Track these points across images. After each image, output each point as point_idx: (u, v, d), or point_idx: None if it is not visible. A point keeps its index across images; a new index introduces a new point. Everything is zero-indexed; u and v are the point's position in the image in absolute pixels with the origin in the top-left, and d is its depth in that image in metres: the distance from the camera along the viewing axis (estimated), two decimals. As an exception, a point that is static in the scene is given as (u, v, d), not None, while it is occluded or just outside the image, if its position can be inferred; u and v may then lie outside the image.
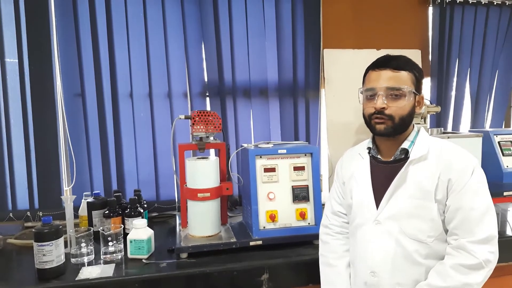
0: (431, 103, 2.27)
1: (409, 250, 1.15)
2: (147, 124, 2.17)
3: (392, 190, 1.18)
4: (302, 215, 1.69)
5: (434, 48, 2.60)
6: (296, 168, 1.72)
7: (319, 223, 1.67)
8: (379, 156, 1.27)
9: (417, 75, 1.20)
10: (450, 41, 2.60)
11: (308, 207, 1.71)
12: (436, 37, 2.59)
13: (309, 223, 1.70)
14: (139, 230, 1.58)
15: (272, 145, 1.80)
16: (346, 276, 1.32)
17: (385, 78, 1.17)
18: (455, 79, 2.64)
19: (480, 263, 1.06)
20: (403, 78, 1.17)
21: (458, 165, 1.13)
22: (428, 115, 2.19)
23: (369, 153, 1.29)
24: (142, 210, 1.79)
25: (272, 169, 1.70)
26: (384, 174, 1.23)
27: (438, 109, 2.16)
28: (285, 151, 1.71)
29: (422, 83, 1.21)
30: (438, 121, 2.64)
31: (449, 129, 2.68)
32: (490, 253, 1.07)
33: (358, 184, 1.28)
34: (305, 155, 1.74)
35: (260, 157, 1.69)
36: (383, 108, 1.16)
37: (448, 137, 2.00)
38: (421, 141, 1.19)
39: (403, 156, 1.21)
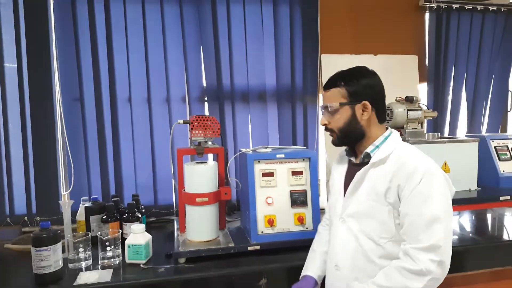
0: (428, 108, 2.28)
1: (365, 249, 1.21)
2: (146, 129, 2.18)
3: (350, 190, 1.27)
4: (300, 220, 1.68)
5: (431, 53, 2.62)
6: (294, 173, 1.71)
7: (317, 227, 1.68)
8: (352, 159, 1.35)
9: (350, 87, 1.24)
10: (446, 46, 2.62)
11: (306, 212, 1.71)
12: (432, 43, 2.61)
13: (307, 228, 1.70)
14: (137, 235, 1.57)
15: (271, 149, 1.80)
16: (320, 260, 1.41)
17: (323, 98, 1.32)
18: (451, 84, 2.66)
19: (421, 270, 1.06)
20: (332, 95, 1.27)
21: (407, 171, 1.14)
22: (425, 120, 2.20)
23: (346, 155, 1.37)
24: (140, 215, 1.78)
25: (271, 174, 1.69)
26: (353, 175, 1.29)
27: (435, 114, 2.17)
28: (283, 155, 1.70)
29: (362, 92, 1.23)
30: (435, 126, 2.65)
31: (446, 134, 2.69)
32: (432, 262, 1.06)
33: (334, 183, 1.39)
34: (303, 159, 1.74)
35: (259, 161, 1.69)
36: (325, 124, 1.31)
37: (445, 142, 2.02)
38: (386, 146, 1.23)
39: (368, 160, 1.27)
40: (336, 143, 1.32)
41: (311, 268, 1.42)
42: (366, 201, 1.22)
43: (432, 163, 1.16)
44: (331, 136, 1.32)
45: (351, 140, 1.30)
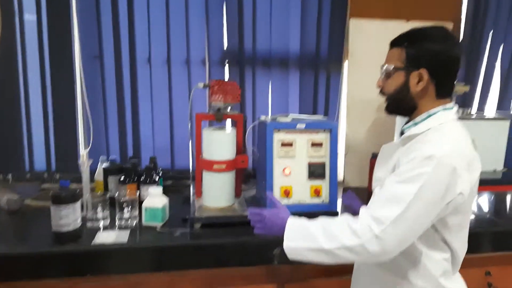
0: (458, 81, 2.15)
1: None
2: (164, 91, 2.14)
3: (379, 165, 1.25)
4: (317, 192, 1.67)
5: (468, 21, 2.44)
6: (314, 144, 1.67)
7: (334, 200, 1.67)
8: None
9: (410, 50, 1.10)
10: (485, 13, 2.43)
11: (324, 185, 1.69)
12: (470, 9, 2.43)
13: (323, 201, 1.68)
14: (155, 198, 1.59)
15: (291, 118, 1.75)
16: None
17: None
18: (486, 55, 2.50)
19: (356, 230, 1.01)
20: (391, 55, 1.15)
21: (410, 150, 1.06)
22: (455, 95, 2.09)
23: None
24: (157, 178, 1.79)
25: (290, 144, 1.66)
26: None
27: (467, 88, 2.06)
28: (303, 126, 1.66)
29: (422, 57, 1.08)
30: (464, 99, 2.52)
31: (474, 108, 2.57)
32: (369, 229, 1.00)
33: None
34: (324, 131, 1.69)
35: (278, 130, 1.65)
36: (380, 86, 1.20)
37: (475, 119, 1.93)
38: (424, 125, 1.11)
39: None
40: (387, 109, 1.22)
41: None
42: (383, 178, 1.15)
43: (438, 156, 0.99)
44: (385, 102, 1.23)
45: (401, 110, 1.20)
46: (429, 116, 1.12)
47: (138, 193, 1.64)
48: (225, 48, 2.18)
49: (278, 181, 1.65)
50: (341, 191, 2.19)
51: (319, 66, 2.27)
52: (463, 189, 1.02)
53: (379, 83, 1.20)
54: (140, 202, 1.62)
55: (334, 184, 1.68)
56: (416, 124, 1.14)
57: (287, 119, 1.72)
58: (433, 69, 1.08)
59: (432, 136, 1.07)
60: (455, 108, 1.15)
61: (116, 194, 1.59)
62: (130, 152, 2.16)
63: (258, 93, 2.24)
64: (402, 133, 1.19)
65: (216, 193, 1.66)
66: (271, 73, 2.23)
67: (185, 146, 2.19)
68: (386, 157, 1.21)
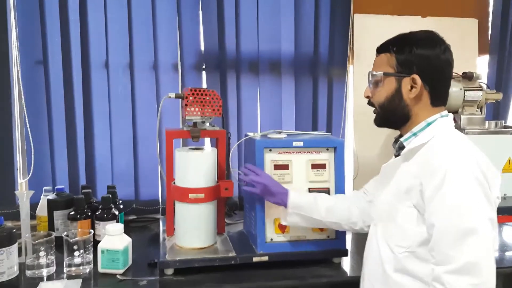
0: (488, 87, 2.22)
1: (382, 256, 1.24)
2: (126, 103, 2.17)
3: (380, 188, 1.34)
4: (321, 226, 1.67)
5: (496, 17, 2.56)
6: (314, 166, 1.69)
7: (341, 236, 1.68)
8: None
9: (400, 55, 1.24)
10: (516, 8, 2.55)
11: (328, 216, 1.70)
12: (499, 4, 2.54)
13: (328, 236, 1.69)
14: (114, 237, 1.57)
15: (285, 135, 1.78)
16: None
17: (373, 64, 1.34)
18: (519, 58, 2.60)
19: None
20: (379, 62, 1.30)
21: (432, 166, 1.12)
22: (485, 104, 2.14)
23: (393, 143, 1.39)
24: (117, 212, 1.79)
25: (285, 166, 1.67)
26: None
27: (499, 96, 2.12)
28: (301, 143, 1.68)
29: (414, 63, 1.22)
30: (496, 111, 2.60)
31: (509, 121, 2.64)
32: (473, 286, 1.02)
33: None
34: (327, 149, 1.71)
35: (270, 150, 1.67)
36: (368, 96, 1.34)
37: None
38: (425, 134, 1.22)
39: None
40: (377, 122, 1.35)
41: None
42: (391, 201, 1.25)
43: (468, 162, 1.10)
44: (374, 113, 1.35)
45: (393, 121, 1.31)
46: (428, 124, 1.24)
47: (92, 232, 1.62)
48: (202, 50, 2.22)
49: (272, 213, 1.65)
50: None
51: (318, 71, 2.34)
52: (497, 191, 1.14)
53: (367, 92, 1.33)
54: (95, 243, 1.60)
55: (341, 215, 1.69)
56: (415, 134, 1.25)
57: (281, 136, 1.75)
58: (425, 74, 1.22)
59: (443, 147, 1.17)
60: (451, 115, 1.29)
61: (64, 234, 1.56)
62: (82, 180, 2.15)
63: (244, 105, 2.28)
64: (399, 147, 1.30)
65: (193, 230, 1.65)
66: (260, 80, 2.28)
67: (152, 171, 2.20)
68: (387, 178, 1.31)
